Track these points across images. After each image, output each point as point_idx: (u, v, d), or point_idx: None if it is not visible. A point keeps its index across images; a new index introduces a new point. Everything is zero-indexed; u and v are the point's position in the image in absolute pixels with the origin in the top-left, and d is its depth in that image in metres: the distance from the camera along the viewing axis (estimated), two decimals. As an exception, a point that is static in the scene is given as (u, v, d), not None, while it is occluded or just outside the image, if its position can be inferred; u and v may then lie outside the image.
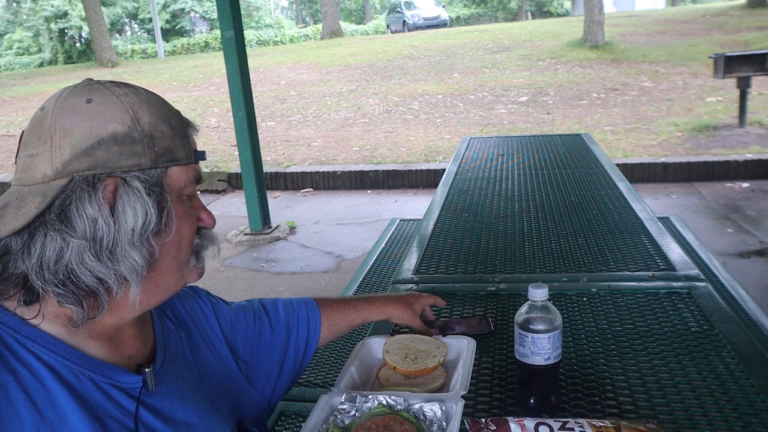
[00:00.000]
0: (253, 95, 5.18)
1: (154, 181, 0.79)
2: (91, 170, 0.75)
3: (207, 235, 0.91)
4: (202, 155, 0.87)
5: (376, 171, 6.56)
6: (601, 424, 0.93)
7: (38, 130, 0.77)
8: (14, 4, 30.93)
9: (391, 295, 1.31)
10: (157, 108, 0.82)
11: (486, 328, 1.36)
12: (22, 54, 26.99)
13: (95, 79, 0.83)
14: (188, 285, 1.09)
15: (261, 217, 5.26)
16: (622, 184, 2.46)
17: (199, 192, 0.91)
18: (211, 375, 1.02)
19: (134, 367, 0.86)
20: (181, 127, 0.84)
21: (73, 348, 0.79)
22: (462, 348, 1.16)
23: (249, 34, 22.69)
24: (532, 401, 1.08)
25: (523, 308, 1.07)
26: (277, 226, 5.38)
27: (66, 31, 24.26)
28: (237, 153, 5.31)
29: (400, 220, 3.48)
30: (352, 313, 1.24)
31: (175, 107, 0.87)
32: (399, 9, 25.79)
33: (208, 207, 0.91)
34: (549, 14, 32.51)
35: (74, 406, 0.76)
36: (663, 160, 6.12)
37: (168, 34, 27.63)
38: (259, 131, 5.38)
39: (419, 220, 2.41)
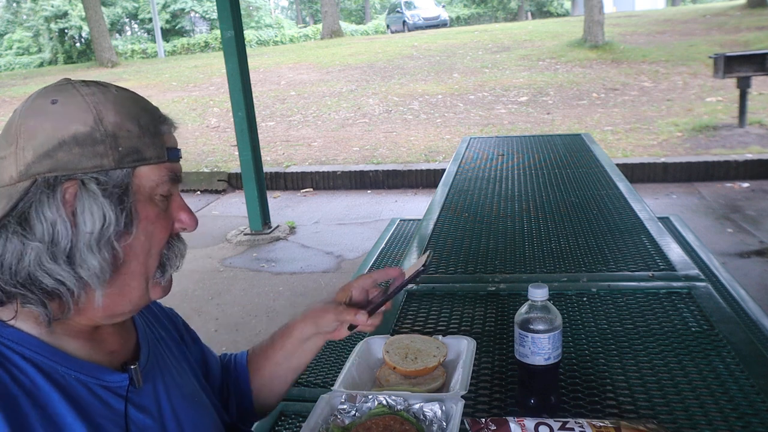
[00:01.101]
0: (253, 95, 5.19)
1: (117, 182, 0.77)
2: (52, 172, 0.74)
3: (175, 248, 0.86)
4: (176, 153, 0.84)
5: (376, 171, 6.56)
6: (601, 424, 0.93)
7: (6, 133, 0.77)
8: (14, 4, 30.93)
9: (309, 307, 1.15)
10: (124, 107, 0.79)
11: (423, 264, 1.05)
12: (22, 54, 27.00)
13: (72, 79, 0.82)
14: (169, 309, 1.09)
15: (261, 217, 5.26)
16: (622, 184, 2.46)
17: (182, 191, 0.89)
18: (195, 373, 1.02)
19: (118, 365, 0.86)
20: (151, 125, 0.81)
21: (55, 348, 0.79)
22: (462, 348, 1.16)
23: (249, 34, 22.69)
24: (532, 401, 1.09)
25: (523, 308, 1.07)
26: (277, 226, 5.38)
27: (66, 31, 24.27)
28: (237, 153, 5.31)
29: (400, 220, 3.48)
30: (271, 351, 1.14)
31: (153, 104, 0.85)
32: (399, 9, 25.78)
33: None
34: (549, 14, 32.51)
35: (66, 406, 0.76)
36: (663, 160, 6.12)
37: (168, 34, 27.63)
38: (259, 131, 5.38)
39: (419, 220, 2.41)
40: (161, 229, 0.83)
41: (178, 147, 0.86)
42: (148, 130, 0.80)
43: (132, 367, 0.85)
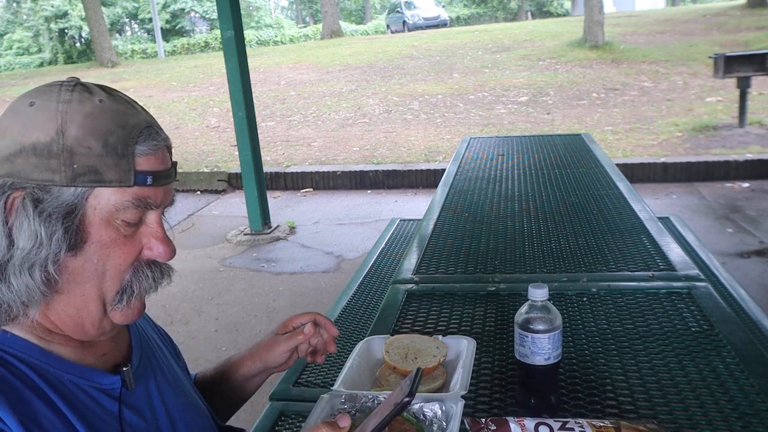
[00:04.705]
0: (253, 95, 5.19)
1: (64, 201, 0.72)
2: (8, 177, 0.72)
3: (141, 275, 0.80)
4: (149, 178, 0.76)
5: (376, 171, 6.56)
6: (601, 424, 0.93)
7: None
8: (14, 4, 30.92)
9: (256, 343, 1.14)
10: (96, 121, 0.73)
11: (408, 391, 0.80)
12: (22, 54, 27.00)
13: (78, 79, 0.79)
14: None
15: (261, 217, 5.26)
16: (622, 184, 2.46)
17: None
18: (185, 374, 1.02)
19: (110, 367, 0.85)
20: (120, 145, 0.74)
21: (47, 352, 0.78)
22: (462, 348, 1.16)
23: (249, 34, 22.69)
24: (532, 401, 1.08)
25: (523, 308, 1.07)
26: (277, 226, 5.38)
27: (66, 31, 24.28)
28: (237, 153, 5.31)
29: (400, 220, 3.48)
30: (216, 385, 1.13)
31: (145, 119, 0.78)
32: (399, 9, 25.78)
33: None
34: (549, 14, 32.50)
35: (65, 406, 0.76)
36: (663, 160, 6.12)
37: (168, 34, 27.63)
38: (259, 131, 5.38)
39: (419, 220, 2.41)
40: (120, 254, 0.78)
41: (167, 168, 0.80)
42: (115, 150, 0.74)
43: (124, 369, 0.85)
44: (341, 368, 1.11)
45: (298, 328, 1.10)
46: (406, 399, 0.77)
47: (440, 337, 1.21)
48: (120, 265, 0.78)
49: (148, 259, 0.81)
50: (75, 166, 0.72)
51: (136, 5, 29.44)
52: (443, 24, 24.30)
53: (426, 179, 6.39)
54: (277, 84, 12.27)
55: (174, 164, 0.83)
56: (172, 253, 0.82)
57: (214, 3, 5.45)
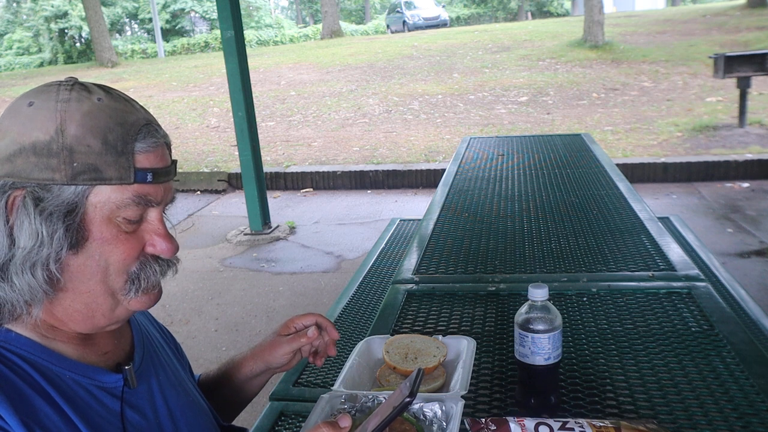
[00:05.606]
0: (253, 95, 5.19)
1: (65, 199, 0.72)
2: (8, 177, 0.72)
3: (149, 269, 0.81)
4: (149, 175, 0.76)
5: (376, 171, 6.56)
6: (601, 424, 0.93)
7: None
8: (14, 4, 30.93)
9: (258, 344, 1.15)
10: (95, 119, 0.73)
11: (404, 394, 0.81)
12: (22, 54, 26.99)
13: (77, 79, 0.79)
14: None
15: (261, 217, 5.26)
16: (622, 184, 2.46)
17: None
18: (188, 374, 1.02)
19: (112, 365, 0.85)
20: (120, 143, 0.74)
21: (49, 350, 0.78)
22: (462, 348, 1.15)
23: (249, 34, 22.69)
24: (532, 401, 1.09)
25: (523, 308, 1.07)
26: (277, 226, 5.38)
27: (66, 31, 24.27)
28: (237, 153, 5.31)
29: (400, 220, 3.48)
30: (219, 386, 1.14)
31: (144, 116, 0.79)
32: (399, 9, 25.78)
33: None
34: (549, 14, 32.50)
35: (66, 405, 0.76)
36: (663, 160, 6.12)
37: (168, 34, 27.64)
38: (259, 131, 5.38)
39: (419, 220, 2.41)
40: (123, 250, 0.78)
41: (166, 166, 0.80)
42: (114, 147, 0.74)
43: (126, 367, 0.85)
44: (341, 368, 1.11)
45: (301, 329, 1.11)
46: (407, 399, 0.78)
47: (440, 337, 1.20)
48: (123, 260, 0.78)
49: (152, 254, 0.82)
50: (75, 164, 0.72)
51: (136, 5, 29.44)
52: (443, 24, 24.30)
53: (426, 179, 6.39)
54: (277, 84, 12.27)
55: (174, 161, 0.83)
56: (175, 249, 0.83)
57: (214, 3, 5.45)
